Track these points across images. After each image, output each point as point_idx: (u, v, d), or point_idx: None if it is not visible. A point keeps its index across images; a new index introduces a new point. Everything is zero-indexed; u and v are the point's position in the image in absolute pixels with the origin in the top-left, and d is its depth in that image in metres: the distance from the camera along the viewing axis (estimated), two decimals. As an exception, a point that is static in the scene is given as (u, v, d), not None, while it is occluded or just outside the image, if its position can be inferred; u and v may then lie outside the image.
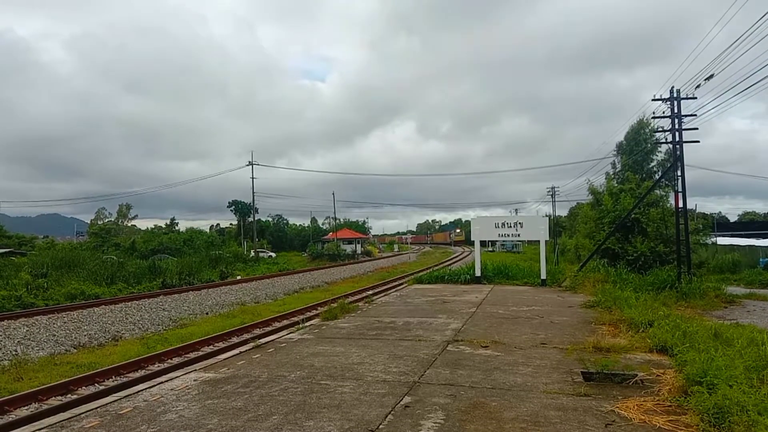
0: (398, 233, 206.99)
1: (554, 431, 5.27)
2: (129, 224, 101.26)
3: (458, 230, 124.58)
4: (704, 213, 62.92)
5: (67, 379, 12.17)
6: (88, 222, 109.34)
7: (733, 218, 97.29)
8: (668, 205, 29.07)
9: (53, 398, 11.19)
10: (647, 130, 38.35)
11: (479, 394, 6.57)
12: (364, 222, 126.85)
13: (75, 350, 16.45)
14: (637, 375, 7.13)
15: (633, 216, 28.09)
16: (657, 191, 30.16)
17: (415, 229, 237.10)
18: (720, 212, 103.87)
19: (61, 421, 5.94)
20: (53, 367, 14.18)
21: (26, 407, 10.60)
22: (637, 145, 39.56)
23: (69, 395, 11.40)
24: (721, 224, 67.89)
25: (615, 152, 43.28)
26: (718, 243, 45.19)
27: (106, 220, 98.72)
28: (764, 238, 48.43)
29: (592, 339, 9.40)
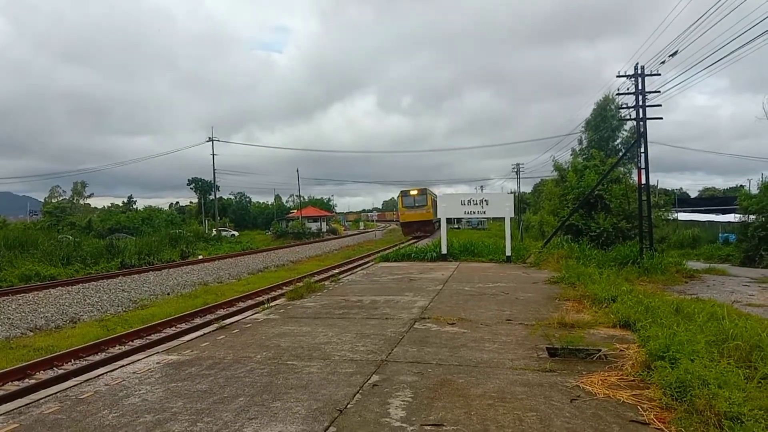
0: (364, 210, 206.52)
1: (520, 407, 5.30)
2: (84, 203, 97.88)
3: (414, 192, 64.51)
4: (666, 189, 64.24)
5: (24, 364, 11.83)
6: (42, 200, 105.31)
7: (693, 194, 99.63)
8: (631, 181, 29.63)
9: (10, 383, 10.88)
10: (613, 107, 38.89)
11: (446, 371, 6.58)
12: (329, 200, 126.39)
13: (31, 333, 15.99)
14: (601, 350, 7.23)
15: (596, 192, 28.58)
16: (620, 168, 30.71)
17: (380, 206, 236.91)
18: (681, 188, 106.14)
19: (19, 407, 5.71)
20: (9, 351, 13.76)
21: (-19, 393, 10.28)
22: (603, 121, 40.08)
23: (27, 380, 11.09)
24: (682, 200, 69.43)
25: (583, 128, 43.82)
26: (679, 218, 46.36)
27: (60, 198, 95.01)
28: (723, 213, 49.86)
29: (556, 315, 9.51)
